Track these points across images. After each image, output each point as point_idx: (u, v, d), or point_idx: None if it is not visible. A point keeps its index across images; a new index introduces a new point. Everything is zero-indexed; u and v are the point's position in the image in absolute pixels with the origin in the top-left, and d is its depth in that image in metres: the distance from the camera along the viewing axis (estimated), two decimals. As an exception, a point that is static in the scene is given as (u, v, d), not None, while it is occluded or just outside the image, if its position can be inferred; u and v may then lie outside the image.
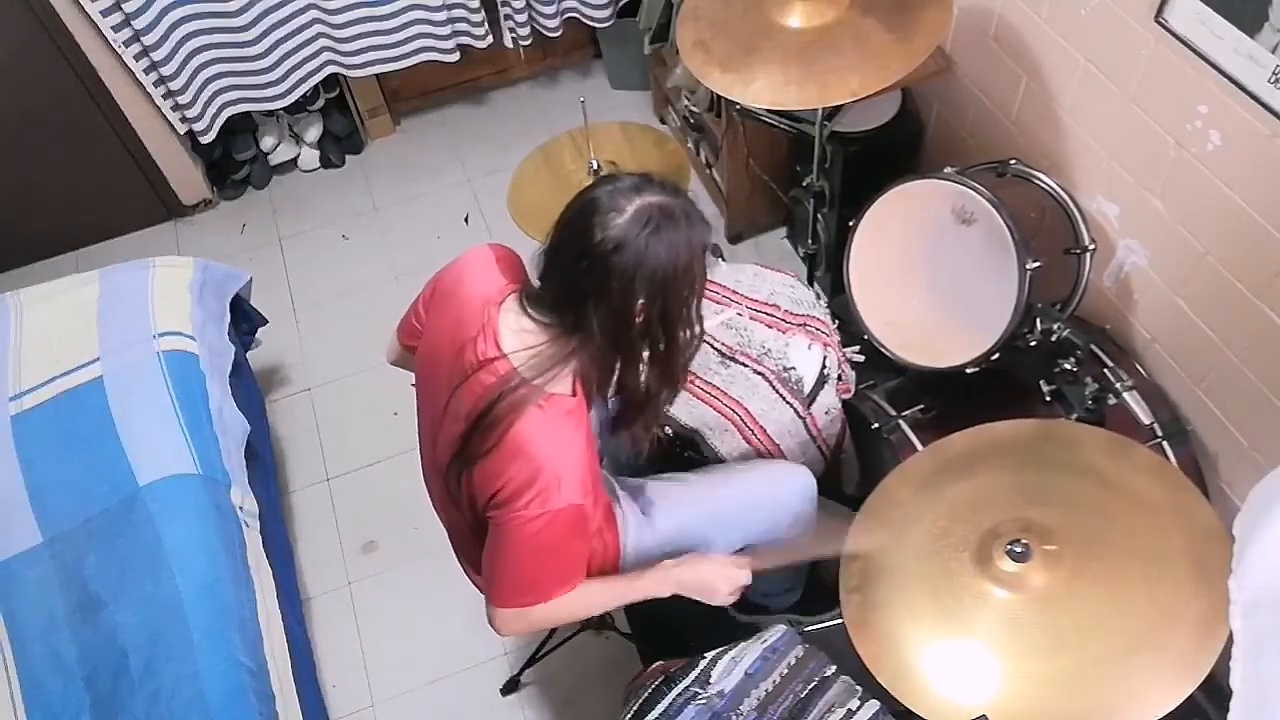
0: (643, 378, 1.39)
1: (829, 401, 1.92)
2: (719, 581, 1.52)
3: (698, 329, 1.39)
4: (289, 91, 3.01)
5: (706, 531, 1.71)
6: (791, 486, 1.74)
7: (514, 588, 1.40)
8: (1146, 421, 1.84)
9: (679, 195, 1.30)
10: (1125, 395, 1.85)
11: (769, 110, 2.22)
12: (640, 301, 1.27)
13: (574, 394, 1.35)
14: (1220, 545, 1.24)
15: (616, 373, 1.37)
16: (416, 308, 1.56)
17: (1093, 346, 1.93)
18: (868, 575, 1.43)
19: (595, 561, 1.51)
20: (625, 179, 1.29)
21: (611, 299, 1.26)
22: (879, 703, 1.39)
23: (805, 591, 2.01)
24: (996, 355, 1.80)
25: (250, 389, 2.52)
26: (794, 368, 1.88)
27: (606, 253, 1.23)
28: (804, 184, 2.34)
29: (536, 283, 1.37)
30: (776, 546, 1.67)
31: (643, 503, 1.68)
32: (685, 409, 1.87)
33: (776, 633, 1.53)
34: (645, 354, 1.36)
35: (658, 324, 1.32)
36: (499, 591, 1.41)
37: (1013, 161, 1.96)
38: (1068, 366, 1.82)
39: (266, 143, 3.25)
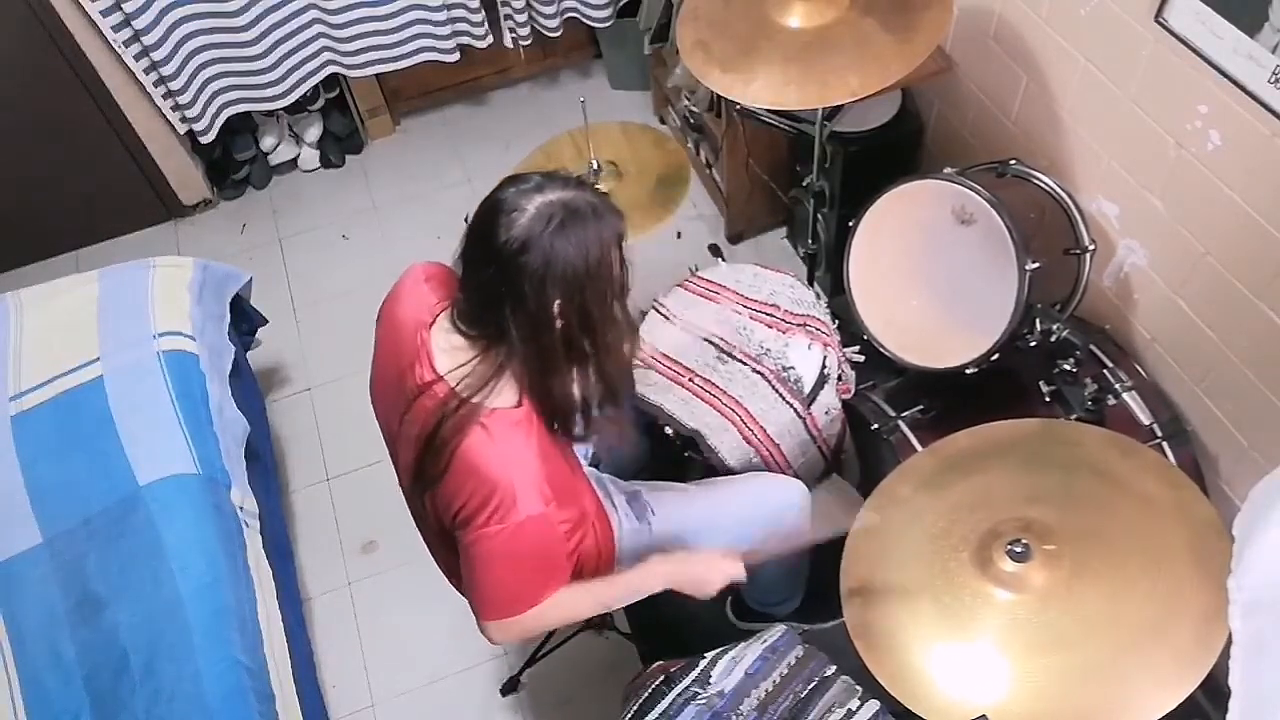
0: (575, 385, 1.36)
1: (829, 401, 1.92)
2: (711, 574, 1.51)
3: (625, 330, 1.36)
4: (289, 91, 3.01)
5: (701, 542, 1.71)
6: (786, 500, 1.75)
7: (494, 602, 1.39)
8: (1146, 422, 1.84)
9: (584, 189, 1.28)
10: (1125, 395, 1.85)
11: (769, 110, 2.22)
12: (557, 303, 1.25)
13: (519, 404, 1.33)
14: (1219, 540, 1.24)
15: (541, 379, 1.33)
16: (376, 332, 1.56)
17: (1092, 347, 1.93)
18: (868, 578, 1.43)
19: (589, 562, 1.50)
20: (531, 178, 1.27)
21: (526, 303, 1.25)
22: (879, 703, 1.39)
23: (806, 599, 2.01)
24: (996, 355, 1.80)
25: (250, 389, 2.52)
26: (793, 367, 1.88)
27: (513, 254, 1.22)
28: (804, 184, 2.34)
29: (460, 282, 1.35)
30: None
31: (637, 508, 1.68)
32: (685, 409, 1.87)
33: (776, 633, 1.53)
34: (576, 361, 1.34)
35: (579, 326, 1.29)
36: (482, 607, 1.40)
37: (1013, 161, 1.96)
38: (1067, 367, 1.82)
39: (266, 143, 3.25)
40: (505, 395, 1.32)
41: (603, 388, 1.39)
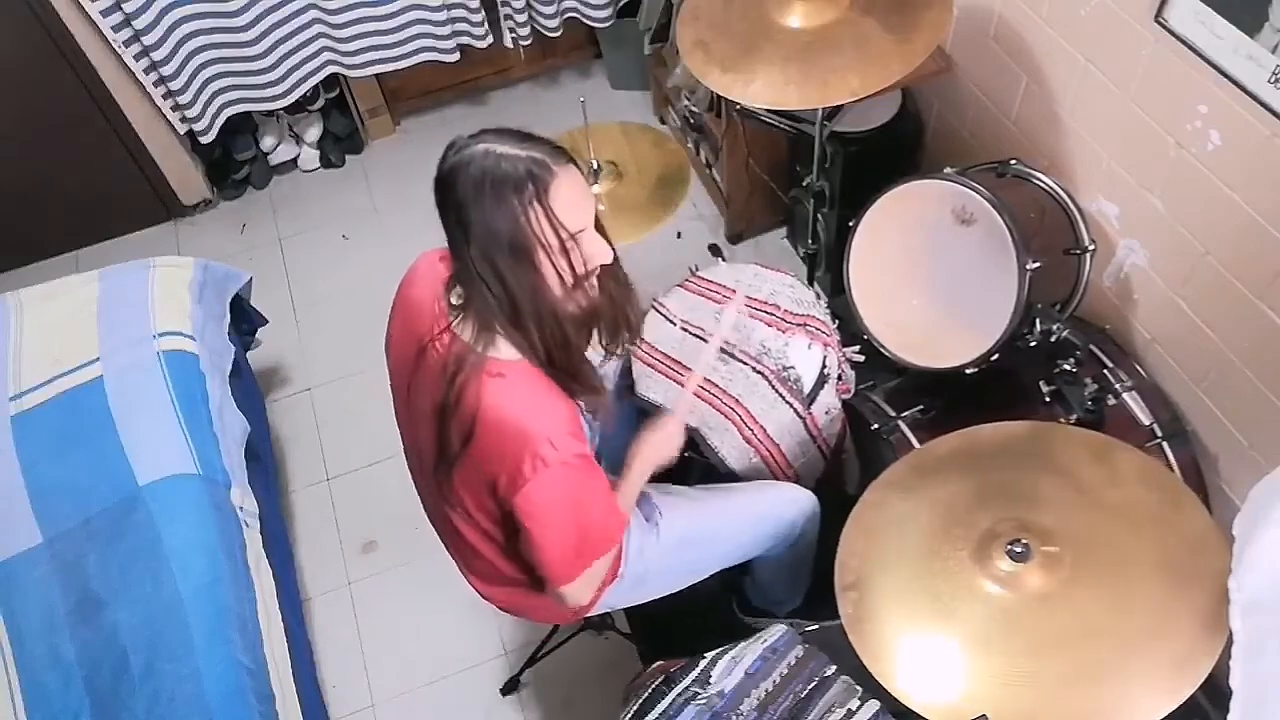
0: (541, 339, 1.32)
1: (829, 401, 1.92)
2: (670, 442, 1.61)
3: (577, 301, 1.33)
4: (289, 91, 3.01)
5: (710, 545, 1.72)
6: (798, 510, 1.76)
7: (567, 558, 1.39)
8: (1146, 422, 1.84)
9: (525, 146, 1.24)
10: (1125, 395, 1.85)
11: (769, 110, 2.22)
12: (476, 255, 1.24)
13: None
14: (1215, 544, 1.25)
15: (530, 304, 1.29)
16: (388, 322, 1.57)
17: (1092, 347, 1.93)
18: (864, 573, 1.43)
19: None
20: (487, 131, 1.27)
21: (468, 229, 1.23)
22: (879, 703, 1.39)
23: (809, 598, 2.01)
24: (996, 356, 1.80)
25: (250, 389, 2.52)
26: (793, 367, 1.88)
27: (448, 185, 1.23)
28: (804, 184, 2.34)
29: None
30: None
31: (646, 509, 1.68)
32: (685, 408, 1.86)
33: (776, 633, 1.53)
34: (519, 325, 1.30)
35: (512, 280, 1.26)
36: (559, 569, 1.39)
37: (1013, 161, 1.96)
38: (1067, 367, 1.82)
39: (266, 143, 3.25)
40: (508, 348, 1.32)
41: (559, 342, 1.34)
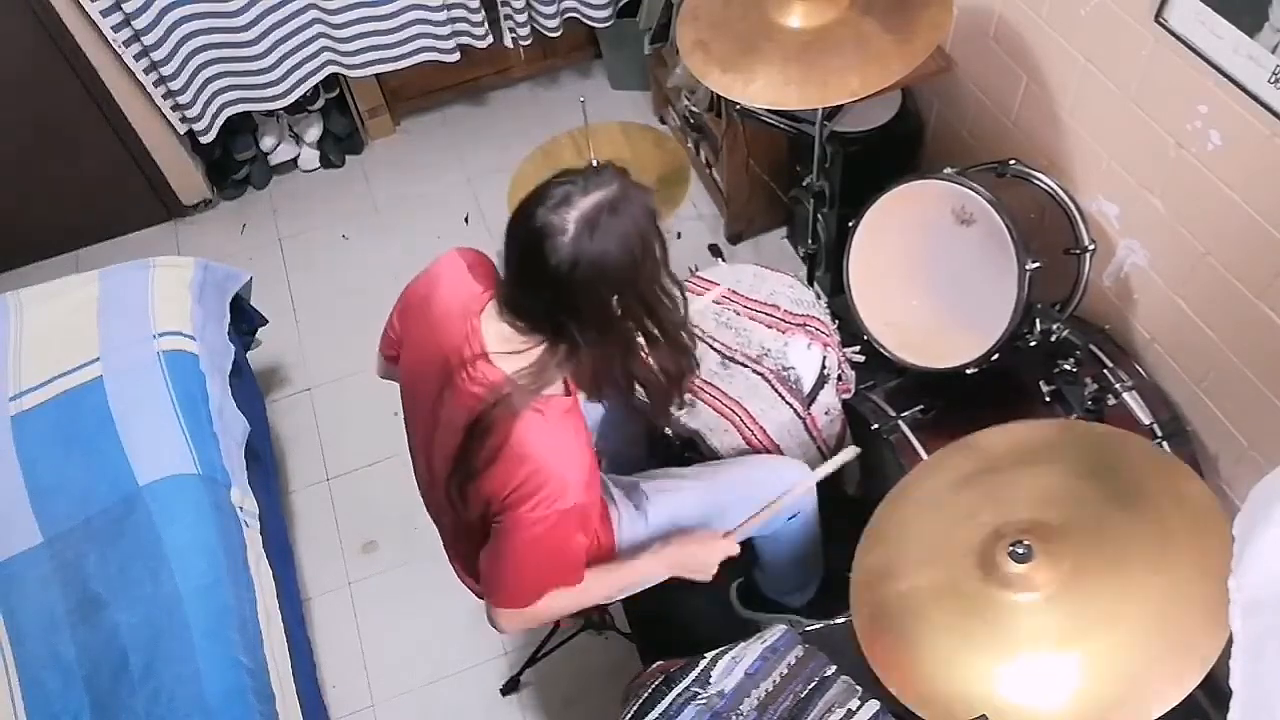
0: (651, 361, 1.39)
1: (829, 401, 1.92)
2: (709, 555, 1.54)
3: (675, 291, 1.37)
4: (289, 91, 3.01)
5: (700, 524, 1.71)
6: (784, 479, 1.73)
7: (517, 588, 1.40)
8: (1146, 421, 1.84)
9: (604, 181, 1.27)
10: (1125, 395, 1.85)
11: (769, 110, 2.22)
12: (615, 299, 1.27)
13: (568, 393, 1.36)
14: (1218, 524, 1.25)
15: (622, 368, 1.38)
16: (391, 320, 1.56)
17: (1092, 346, 1.93)
18: (876, 587, 1.43)
19: (590, 558, 1.51)
20: (554, 192, 1.26)
21: (585, 312, 1.27)
22: (879, 703, 1.39)
23: (820, 593, 2.00)
24: (996, 356, 1.80)
25: (250, 389, 2.52)
26: (793, 367, 1.88)
27: (566, 275, 1.23)
28: (804, 184, 2.34)
29: (507, 290, 1.35)
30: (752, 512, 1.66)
31: (636, 498, 1.68)
32: (685, 409, 1.87)
33: (776, 633, 1.53)
34: (649, 342, 1.37)
35: (642, 312, 1.32)
36: (502, 593, 1.41)
37: (1013, 161, 1.96)
38: (1067, 367, 1.82)
39: (266, 143, 3.25)
40: (555, 385, 1.34)
41: (674, 355, 1.41)
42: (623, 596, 1.63)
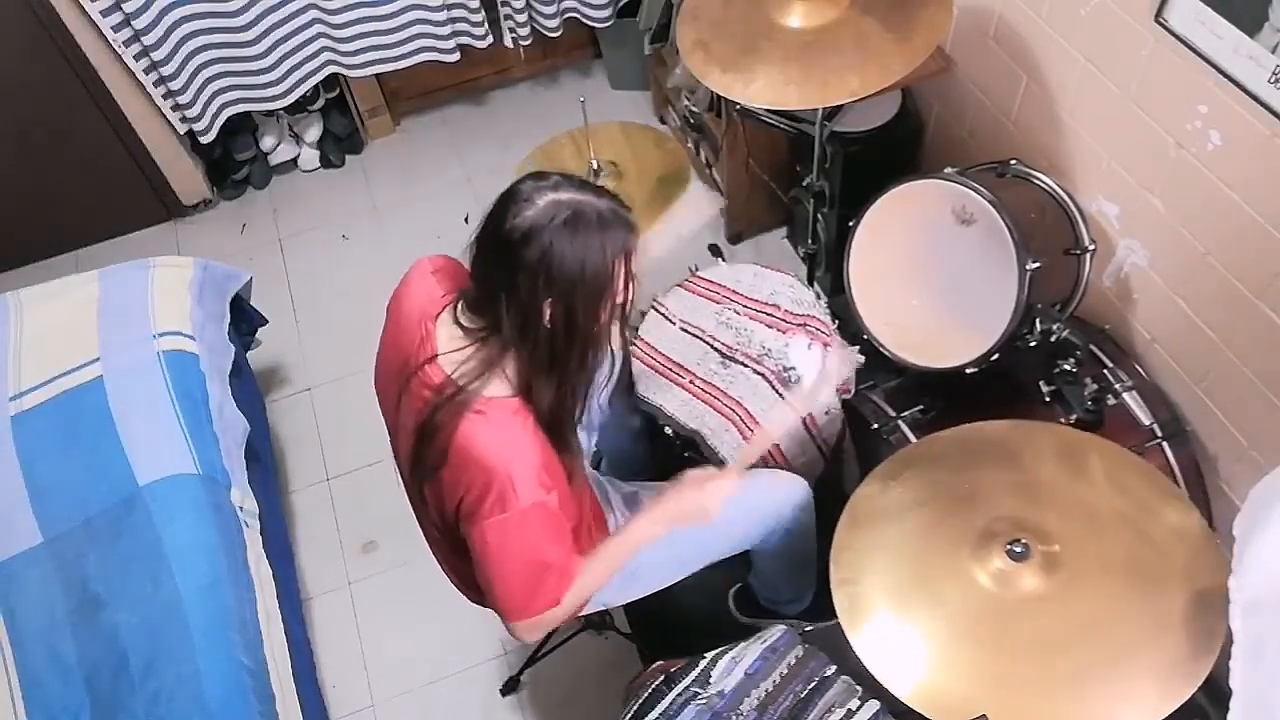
0: (551, 395, 1.33)
1: (829, 401, 1.92)
2: (706, 499, 1.46)
3: (607, 351, 1.34)
4: (289, 91, 3.01)
5: (699, 537, 1.71)
6: (789, 497, 1.75)
7: (511, 599, 1.37)
8: (1146, 422, 1.84)
9: (601, 196, 1.27)
10: (1125, 396, 1.85)
11: (769, 110, 2.22)
12: (548, 302, 1.25)
13: (515, 394, 1.33)
14: (1209, 548, 1.25)
15: (531, 378, 1.32)
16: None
17: (1092, 347, 1.93)
18: (859, 567, 1.43)
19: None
20: (552, 175, 1.27)
21: (519, 294, 1.25)
22: (879, 702, 1.39)
23: (817, 598, 2.00)
24: (996, 356, 1.80)
25: (250, 389, 2.52)
26: (794, 367, 1.88)
27: (514, 242, 1.22)
28: (804, 184, 2.34)
29: (471, 258, 1.34)
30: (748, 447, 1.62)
31: (634, 508, 1.67)
32: (685, 409, 1.87)
33: (776, 633, 1.53)
34: (558, 370, 1.31)
35: (564, 333, 1.28)
36: (508, 606, 1.38)
37: (1013, 162, 1.96)
38: (1067, 367, 1.82)
39: (266, 143, 3.25)
40: (500, 386, 1.32)
41: (558, 405, 1.35)
42: (625, 563, 1.54)
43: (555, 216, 1.22)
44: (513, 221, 1.23)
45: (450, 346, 1.34)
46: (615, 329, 1.35)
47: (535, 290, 1.24)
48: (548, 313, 1.26)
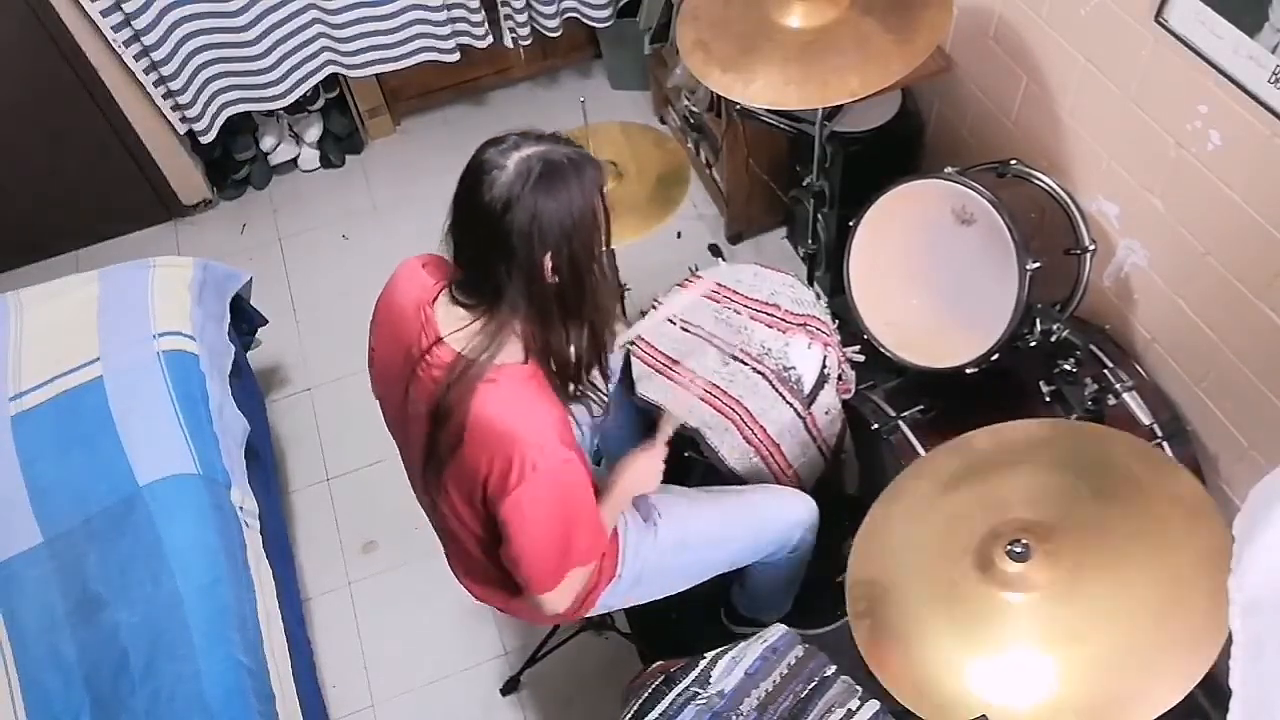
0: (570, 344, 1.37)
1: (829, 401, 1.92)
2: (652, 467, 1.57)
3: (610, 284, 1.38)
4: (289, 91, 3.01)
5: (707, 550, 1.72)
6: (799, 519, 1.76)
7: (547, 566, 1.37)
8: (1146, 422, 1.84)
9: (559, 142, 1.28)
10: (1125, 395, 1.85)
11: (769, 110, 2.22)
12: (547, 256, 1.26)
13: (525, 360, 1.34)
14: (1214, 521, 1.25)
15: (543, 335, 1.34)
16: (369, 334, 1.56)
17: (1092, 347, 1.93)
18: (874, 597, 1.42)
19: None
20: (508, 137, 1.28)
21: (518, 258, 1.25)
22: (879, 702, 1.39)
23: (795, 606, 2.01)
24: (996, 356, 1.80)
25: (250, 389, 2.52)
26: (794, 367, 1.88)
27: (498, 214, 1.23)
28: (804, 184, 2.34)
29: (451, 238, 1.35)
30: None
31: (645, 510, 1.68)
32: (685, 409, 1.86)
33: (776, 633, 1.53)
34: (570, 315, 1.34)
35: (570, 279, 1.30)
36: (538, 577, 1.38)
37: (1013, 161, 1.96)
38: (1067, 367, 1.82)
39: (266, 143, 3.25)
40: (512, 351, 1.32)
41: (592, 346, 1.39)
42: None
43: (529, 175, 1.22)
44: (490, 193, 1.23)
45: (453, 326, 1.34)
46: (603, 260, 1.36)
47: (531, 250, 1.25)
48: (549, 265, 1.27)
